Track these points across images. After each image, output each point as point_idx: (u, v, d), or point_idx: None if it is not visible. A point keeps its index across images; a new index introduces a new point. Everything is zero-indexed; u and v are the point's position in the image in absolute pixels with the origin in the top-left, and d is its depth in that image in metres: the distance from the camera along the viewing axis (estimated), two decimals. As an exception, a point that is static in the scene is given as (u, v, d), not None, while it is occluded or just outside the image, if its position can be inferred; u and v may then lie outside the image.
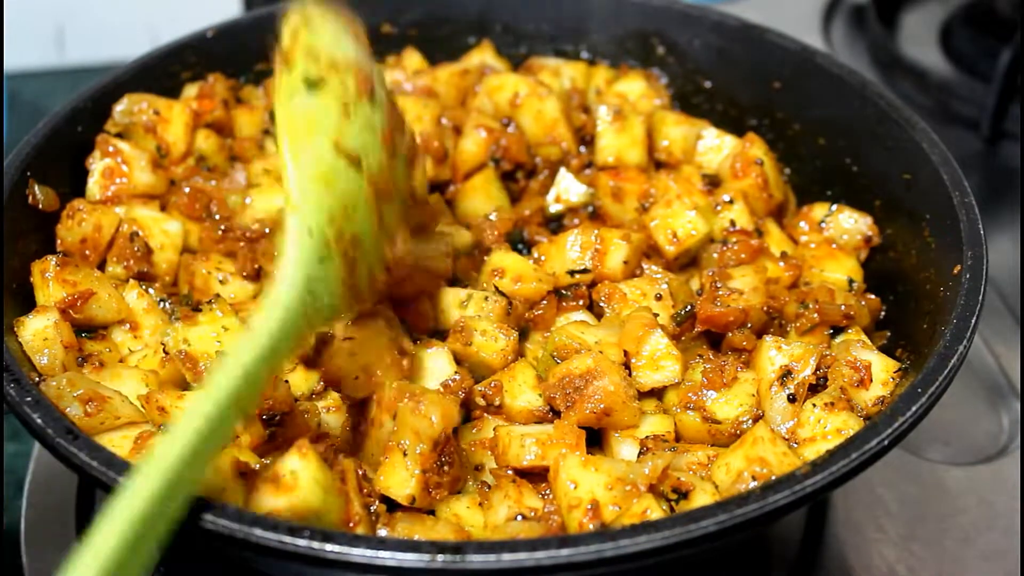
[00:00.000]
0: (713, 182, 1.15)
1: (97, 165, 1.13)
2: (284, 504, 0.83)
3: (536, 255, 1.08)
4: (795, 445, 0.95)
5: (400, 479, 0.90)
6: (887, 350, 1.03)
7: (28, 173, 1.07)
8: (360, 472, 0.91)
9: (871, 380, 0.97)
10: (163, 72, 1.23)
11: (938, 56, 1.80)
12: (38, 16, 1.85)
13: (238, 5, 1.81)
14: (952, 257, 0.99)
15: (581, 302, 1.06)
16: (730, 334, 1.02)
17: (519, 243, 1.11)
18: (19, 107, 1.75)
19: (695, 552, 0.80)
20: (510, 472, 0.94)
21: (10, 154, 1.08)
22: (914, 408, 0.87)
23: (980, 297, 0.95)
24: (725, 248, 1.10)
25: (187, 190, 1.13)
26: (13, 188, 1.05)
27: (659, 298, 1.04)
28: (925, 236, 1.06)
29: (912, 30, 1.86)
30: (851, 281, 1.11)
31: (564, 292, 1.06)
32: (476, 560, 0.77)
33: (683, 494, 0.89)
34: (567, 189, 1.20)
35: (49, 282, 1.02)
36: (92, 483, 0.84)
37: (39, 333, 0.98)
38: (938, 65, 1.78)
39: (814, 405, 0.96)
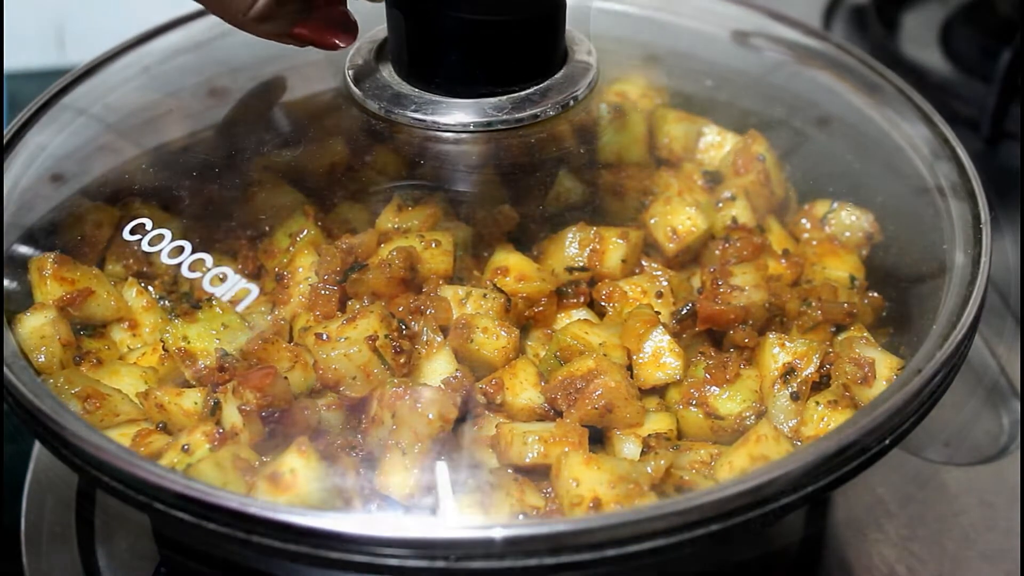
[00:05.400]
0: (714, 179, 1.15)
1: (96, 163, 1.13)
2: (283, 503, 0.82)
3: (535, 252, 1.08)
4: (798, 443, 0.95)
5: (399, 479, 0.90)
6: (889, 348, 1.03)
7: (27, 172, 1.07)
8: (360, 471, 0.91)
9: (875, 377, 0.97)
10: (163, 71, 1.23)
11: (938, 56, 1.80)
12: (38, 16, 1.84)
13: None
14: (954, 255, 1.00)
15: (582, 299, 1.06)
16: (732, 331, 1.02)
17: (519, 241, 1.10)
18: (19, 107, 1.75)
19: (695, 551, 0.81)
20: (511, 471, 0.95)
21: (9, 153, 1.08)
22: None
23: (982, 296, 0.95)
24: (726, 245, 1.09)
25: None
26: (12, 186, 1.05)
27: (660, 296, 1.04)
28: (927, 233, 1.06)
29: (912, 30, 1.85)
30: (853, 278, 1.10)
31: (565, 290, 1.06)
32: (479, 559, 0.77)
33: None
34: (567, 188, 1.20)
35: (47, 280, 1.01)
36: (92, 483, 0.84)
37: (36, 331, 0.98)
38: (938, 65, 1.78)
39: (817, 403, 0.96)
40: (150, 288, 1.06)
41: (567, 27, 1.05)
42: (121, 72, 1.19)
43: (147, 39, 1.22)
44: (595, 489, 0.86)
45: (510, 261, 1.06)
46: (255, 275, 1.13)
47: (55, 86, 1.14)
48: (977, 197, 1.04)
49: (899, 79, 1.16)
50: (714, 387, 0.97)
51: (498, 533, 0.78)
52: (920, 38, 1.83)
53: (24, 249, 1.04)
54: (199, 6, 0.96)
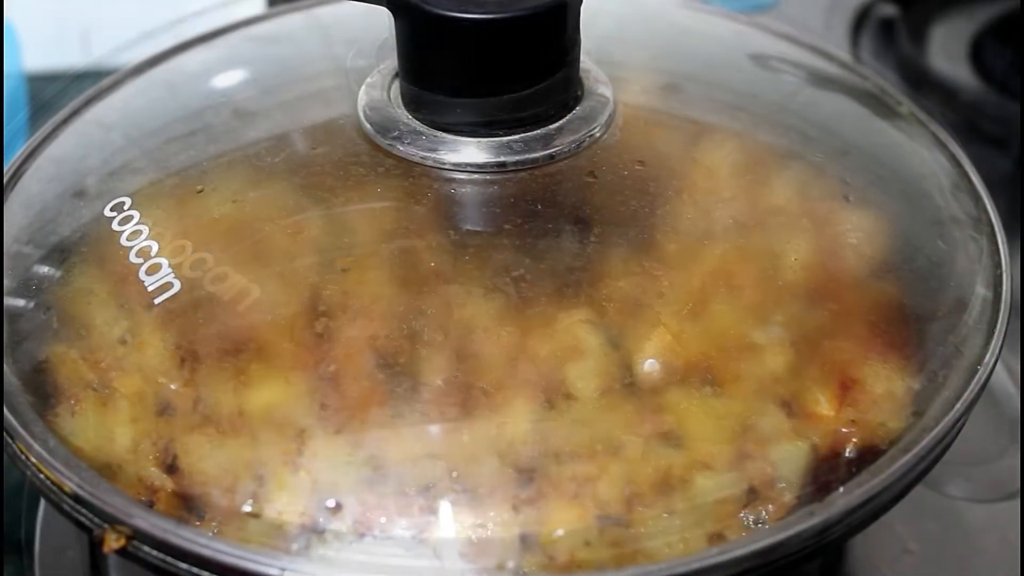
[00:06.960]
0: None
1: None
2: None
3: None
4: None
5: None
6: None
7: (30, 172, 1.08)
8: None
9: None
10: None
11: (968, 72, 1.76)
12: (63, 16, 1.84)
13: (262, 4, 1.81)
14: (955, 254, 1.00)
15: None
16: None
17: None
18: (42, 108, 1.75)
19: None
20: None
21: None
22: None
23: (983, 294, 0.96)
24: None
25: (190, 188, 1.14)
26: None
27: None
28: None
29: (942, 44, 1.80)
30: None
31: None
32: (478, 560, 0.78)
33: (684, 492, 0.89)
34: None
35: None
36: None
37: (37, 331, 0.99)
38: (968, 81, 1.74)
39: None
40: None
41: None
42: (124, 76, 1.20)
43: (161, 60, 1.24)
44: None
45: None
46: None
47: (73, 104, 1.17)
48: (989, 210, 1.05)
49: (892, 87, 1.16)
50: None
51: (498, 533, 0.79)
52: (950, 53, 1.77)
53: (24, 249, 1.05)
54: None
